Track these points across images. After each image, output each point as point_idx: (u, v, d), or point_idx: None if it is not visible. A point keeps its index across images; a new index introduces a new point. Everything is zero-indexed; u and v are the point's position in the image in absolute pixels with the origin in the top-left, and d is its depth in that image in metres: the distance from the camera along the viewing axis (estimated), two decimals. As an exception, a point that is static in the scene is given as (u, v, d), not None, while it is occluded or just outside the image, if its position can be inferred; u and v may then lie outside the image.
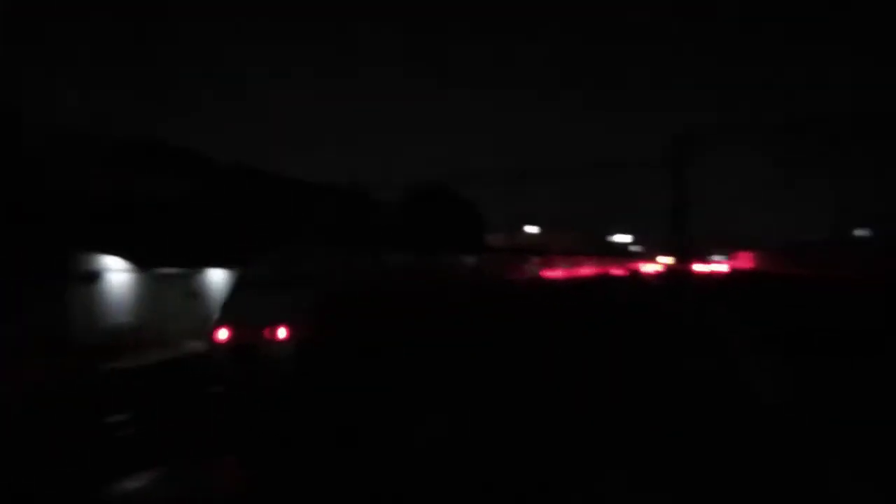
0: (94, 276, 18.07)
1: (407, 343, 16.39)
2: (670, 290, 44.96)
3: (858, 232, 53.77)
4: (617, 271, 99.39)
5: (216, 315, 14.72)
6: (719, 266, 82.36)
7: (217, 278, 24.31)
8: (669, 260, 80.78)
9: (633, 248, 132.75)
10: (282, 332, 13.42)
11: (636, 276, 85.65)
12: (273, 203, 29.16)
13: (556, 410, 11.22)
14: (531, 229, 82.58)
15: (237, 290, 15.42)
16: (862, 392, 11.27)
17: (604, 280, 77.20)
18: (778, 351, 16.07)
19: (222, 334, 14.09)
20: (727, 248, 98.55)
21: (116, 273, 19.50)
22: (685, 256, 64.88)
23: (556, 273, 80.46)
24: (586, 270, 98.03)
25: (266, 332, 13.47)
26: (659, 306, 32.53)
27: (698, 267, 73.13)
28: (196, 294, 23.05)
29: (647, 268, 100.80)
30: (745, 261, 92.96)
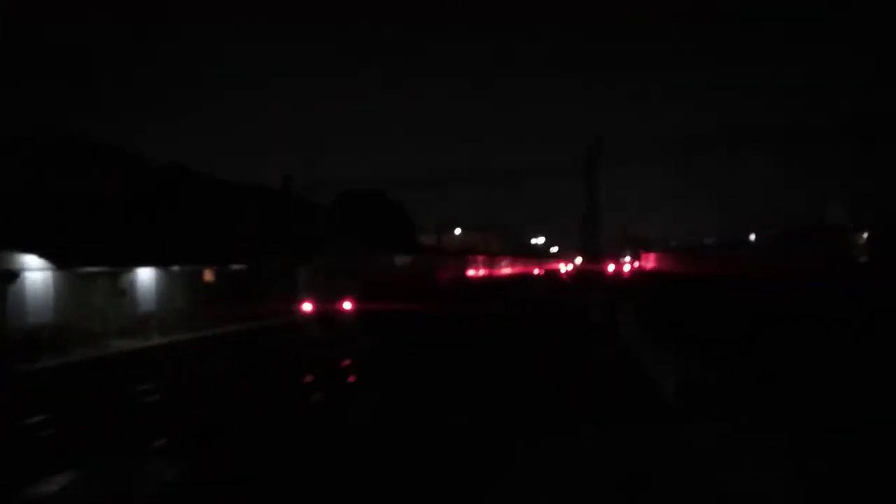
0: (11, 276, 16.74)
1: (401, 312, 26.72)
2: (581, 288, 46.09)
3: (752, 237, 56.77)
4: (536, 270, 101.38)
5: (301, 294, 25.97)
6: (627, 266, 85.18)
7: (145, 277, 23.12)
8: (581, 260, 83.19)
9: (551, 250, 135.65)
10: (347, 304, 25.33)
11: (553, 275, 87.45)
12: (204, 203, 28.00)
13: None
14: (458, 232, 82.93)
15: (312, 277, 28.14)
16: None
17: (524, 279, 78.49)
18: (664, 340, 16.88)
19: (307, 307, 24.92)
20: (635, 249, 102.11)
21: (36, 272, 18.18)
22: (597, 257, 66.95)
23: (481, 273, 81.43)
24: (508, 270, 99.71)
25: (338, 304, 25.03)
26: (571, 303, 33.20)
27: (609, 266, 75.36)
28: (124, 292, 21.85)
29: (563, 267, 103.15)
30: (650, 261, 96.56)
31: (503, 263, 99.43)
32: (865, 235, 31.00)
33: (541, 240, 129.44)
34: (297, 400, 12.33)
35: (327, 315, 24.68)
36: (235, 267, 27.97)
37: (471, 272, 77.72)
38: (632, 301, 30.37)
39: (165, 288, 24.07)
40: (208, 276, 26.79)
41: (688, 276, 51.74)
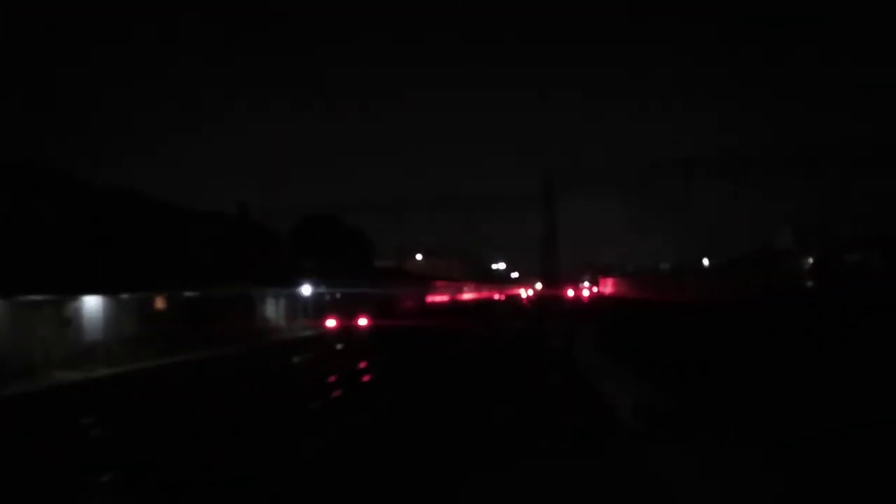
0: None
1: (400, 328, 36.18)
2: (539, 313, 46.43)
3: (706, 261, 58.16)
4: (496, 296, 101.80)
5: (326, 312, 35.29)
6: (585, 291, 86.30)
7: (92, 305, 22.30)
8: (541, 286, 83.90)
9: (512, 275, 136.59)
10: (363, 321, 35.07)
11: (513, 300, 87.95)
12: (156, 228, 27.32)
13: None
14: (418, 257, 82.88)
15: (333, 301, 37.55)
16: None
17: (486, 304, 78.72)
18: (622, 364, 17.10)
19: (331, 323, 33.93)
20: (594, 275, 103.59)
21: (-26, 300, 17.38)
22: (556, 282, 67.63)
23: (443, 298, 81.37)
24: (469, 295, 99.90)
25: (356, 320, 34.63)
26: (529, 328, 33.39)
27: (569, 292, 76.18)
28: (68, 321, 21.01)
29: (524, 293, 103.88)
30: (609, 286, 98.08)
31: (465, 289, 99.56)
32: (811, 260, 32.05)
33: (501, 265, 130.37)
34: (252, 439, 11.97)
35: (347, 330, 33.55)
36: (189, 294, 27.26)
37: (434, 298, 77.53)
38: (590, 326, 30.69)
39: (113, 316, 23.27)
40: (160, 303, 26.03)
41: (644, 300, 52.66)
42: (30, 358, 18.83)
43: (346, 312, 36.82)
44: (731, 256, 51.61)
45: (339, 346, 27.90)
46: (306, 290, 37.58)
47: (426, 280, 78.81)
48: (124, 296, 23.62)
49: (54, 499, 8.22)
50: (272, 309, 35.89)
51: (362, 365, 20.91)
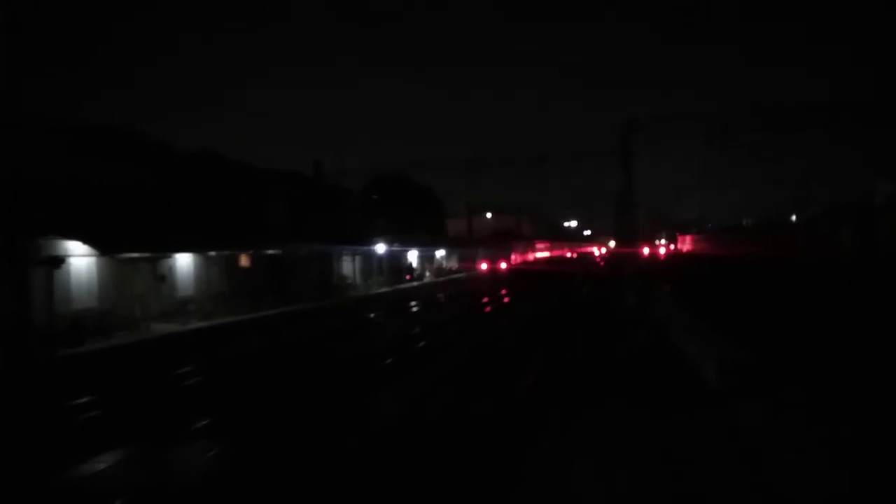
0: (57, 261, 17.34)
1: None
2: (616, 271, 45.67)
3: (793, 217, 55.41)
4: (570, 254, 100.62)
5: (479, 258, 58.57)
6: (662, 249, 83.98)
7: (183, 262, 23.70)
8: (615, 244, 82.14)
9: (584, 233, 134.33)
10: (504, 265, 58.62)
11: (585, 258, 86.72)
12: (235, 188, 28.50)
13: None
14: (488, 215, 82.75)
15: (482, 252, 60.80)
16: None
17: (561, 261, 78.13)
18: (702, 321, 16.63)
19: (483, 266, 55.53)
20: (671, 231, 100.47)
21: (80, 258, 18.80)
22: (631, 240, 66.17)
23: (519, 259, 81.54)
24: (543, 254, 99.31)
25: (500, 263, 57.50)
26: (607, 287, 32.99)
27: (644, 249, 74.36)
28: (164, 277, 22.45)
29: (597, 251, 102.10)
30: (687, 243, 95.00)
31: (538, 247, 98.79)
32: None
33: (573, 223, 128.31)
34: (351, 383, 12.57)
35: (494, 270, 54.02)
36: (270, 252, 28.45)
37: (510, 260, 77.70)
38: (667, 284, 30.00)
39: (203, 273, 24.66)
40: (244, 260, 27.32)
41: (725, 257, 50.79)
42: (130, 311, 20.32)
43: (489, 258, 58.64)
44: (822, 210, 48.85)
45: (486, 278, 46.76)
46: (380, 248, 38.43)
47: (493, 239, 78.73)
48: (212, 253, 24.93)
49: (157, 443, 8.93)
50: (349, 266, 36.97)
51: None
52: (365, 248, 37.50)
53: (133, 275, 21.08)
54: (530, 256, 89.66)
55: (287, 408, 10.65)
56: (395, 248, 41.58)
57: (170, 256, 22.72)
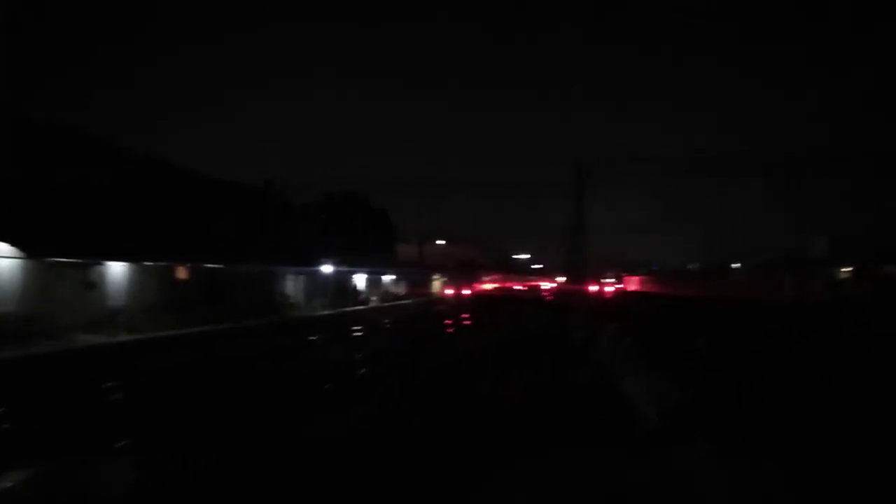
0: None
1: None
2: (565, 307, 46.22)
3: (733, 264, 57.41)
4: (518, 287, 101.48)
5: (444, 284, 70.10)
6: (609, 287, 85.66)
7: (117, 271, 22.69)
8: (564, 279, 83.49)
9: (534, 266, 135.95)
10: (467, 291, 65.59)
11: (534, 291, 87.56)
12: (182, 198, 27.66)
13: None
14: (439, 241, 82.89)
15: (448, 278, 70.60)
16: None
17: (509, 295, 78.60)
18: (646, 362, 16.84)
19: (449, 290, 65.18)
20: (619, 271, 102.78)
21: (3, 259, 17.75)
22: (579, 276, 67.24)
23: (465, 289, 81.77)
24: (491, 285, 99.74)
25: (462, 290, 64.57)
26: (555, 322, 33.25)
27: (592, 287, 75.67)
28: (93, 285, 21.41)
29: (546, 285, 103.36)
30: (634, 283, 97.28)
31: (486, 278, 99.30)
32: (845, 269, 31.53)
33: (524, 256, 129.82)
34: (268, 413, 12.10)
35: (458, 296, 58.99)
36: (210, 266, 27.61)
37: (457, 287, 77.86)
38: (614, 322, 30.47)
39: (137, 283, 23.66)
40: (182, 273, 26.40)
41: (671, 298, 52.16)
42: (55, 319, 19.23)
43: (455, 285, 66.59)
44: (763, 260, 50.83)
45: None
46: (327, 268, 37.82)
47: (442, 266, 78.83)
48: (148, 263, 23.99)
49: (75, 461, 8.37)
50: (292, 286, 36.20)
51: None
52: (311, 268, 36.85)
53: (61, 281, 20.04)
54: (482, 287, 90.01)
55: (211, 430, 10.14)
56: (343, 269, 41.04)
57: (101, 263, 21.73)
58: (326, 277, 38.98)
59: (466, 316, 38.47)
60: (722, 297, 40.23)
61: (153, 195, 26.01)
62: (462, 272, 74.92)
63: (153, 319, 22.61)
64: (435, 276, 74.56)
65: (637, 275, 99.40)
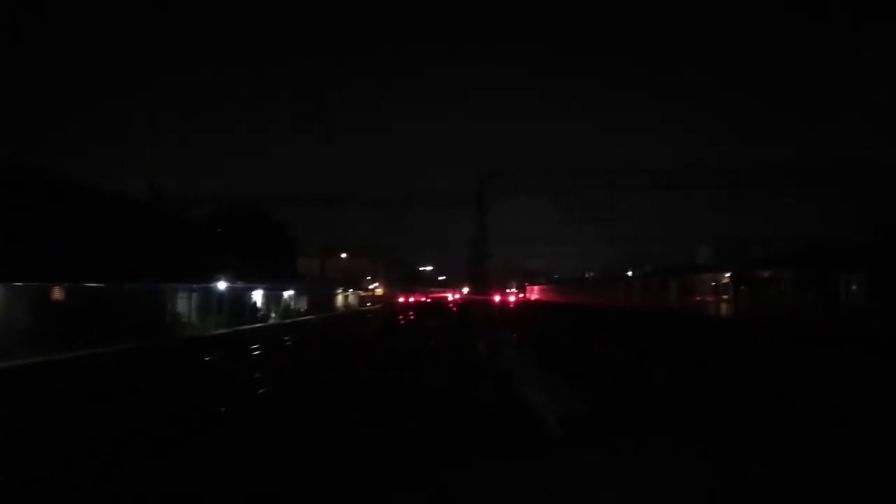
0: None
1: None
2: (469, 318, 46.83)
3: (628, 272, 60.37)
4: (425, 298, 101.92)
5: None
6: (512, 297, 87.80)
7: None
8: (468, 290, 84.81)
9: (439, 278, 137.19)
10: (411, 299, 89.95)
11: (439, 303, 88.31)
12: (58, 210, 25.65)
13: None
14: (343, 255, 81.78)
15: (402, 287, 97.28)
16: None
17: (417, 306, 78.67)
18: (546, 370, 17.39)
19: (401, 299, 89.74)
20: (521, 281, 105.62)
21: None
22: (483, 287, 68.46)
23: (371, 302, 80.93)
24: (397, 298, 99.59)
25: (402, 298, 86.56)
26: (459, 334, 33.57)
27: (496, 297, 77.21)
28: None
29: (451, 297, 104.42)
30: (535, 293, 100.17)
31: (392, 291, 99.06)
32: (727, 275, 33.94)
33: (429, 268, 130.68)
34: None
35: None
36: (91, 285, 25.72)
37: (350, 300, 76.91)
38: (515, 332, 31.19)
39: (4, 306, 21.64)
40: (58, 294, 24.43)
41: (570, 306, 54.12)
42: None
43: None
44: (654, 267, 53.87)
45: None
46: (221, 285, 36.27)
47: (349, 282, 77.91)
48: (17, 284, 22.01)
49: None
50: (184, 304, 34.42)
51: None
52: (204, 284, 35.22)
53: None
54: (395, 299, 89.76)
55: (75, 464, 9.35)
56: (239, 286, 39.52)
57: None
58: (222, 294, 37.36)
59: (372, 329, 38.09)
60: (616, 304, 42.24)
61: (24, 207, 23.94)
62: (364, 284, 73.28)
63: (24, 345, 20.72)
64: (338, 291, 73.44)
65: (539, 284, 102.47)
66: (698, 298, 33.49)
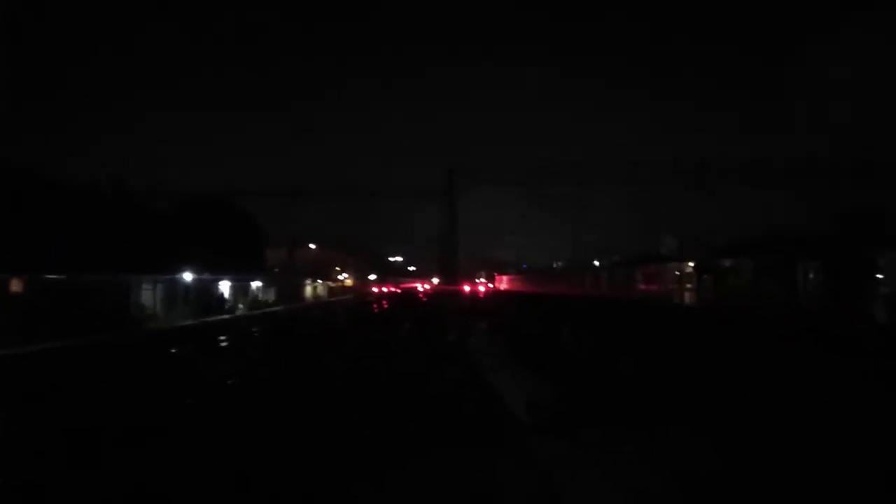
0: None
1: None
2: (438, 308, 46.94)
3: (595, 262, 61.05)
4: (395, 289, 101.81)
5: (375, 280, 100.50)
6: (481, 287, 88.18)
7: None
8: (438, 280, 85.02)
9: (409, 269, 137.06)
10: (384, 289, 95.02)
11: (409, 293, 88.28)
12: (16, 202, 24.92)
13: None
14: (312, 246, 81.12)
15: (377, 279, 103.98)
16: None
17: (388, 296, 78.46)
18: (515, 359, 17.54)
19: (374, 289, 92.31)
20: (490, 271, 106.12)
21: None
22: (452, 277, 68.62)
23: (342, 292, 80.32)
24: (368, 288, 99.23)
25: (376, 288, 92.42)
26: (429, 323, 33.61)
27: (465, 287, 77.49)
28: None
29: (421, 287, 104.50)
30: (504, 282, 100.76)
31: (363, 281, 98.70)
32: (691, 265, 34.59)
33: (399, 258, 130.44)
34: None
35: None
36: (52, 277, 25.10)
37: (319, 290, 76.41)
38: (485, 321, 31.35)
39: (-41, 299, 21.03)
40: (15, 286, 23.79)
41: (538, 295, 54.60)
42: None
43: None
44: (620, 257, 54.61)
45: None
46: (187, 276, 35.71)
47: (319, 274, 77.34)
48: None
49: None
50: (149, 296, 33.81)
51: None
52: (169, 276, 34.63)
53: None
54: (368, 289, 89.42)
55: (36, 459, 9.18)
56: (205, 277, 38.95)
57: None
58: (188, 286, 36.78)
59: (342, 319, 37.92)
60: (583, 293, 42.77)
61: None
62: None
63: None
64: (307, 282, 72.84)
65: (508, 274, 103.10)
66: (662, 287, 34.12)
